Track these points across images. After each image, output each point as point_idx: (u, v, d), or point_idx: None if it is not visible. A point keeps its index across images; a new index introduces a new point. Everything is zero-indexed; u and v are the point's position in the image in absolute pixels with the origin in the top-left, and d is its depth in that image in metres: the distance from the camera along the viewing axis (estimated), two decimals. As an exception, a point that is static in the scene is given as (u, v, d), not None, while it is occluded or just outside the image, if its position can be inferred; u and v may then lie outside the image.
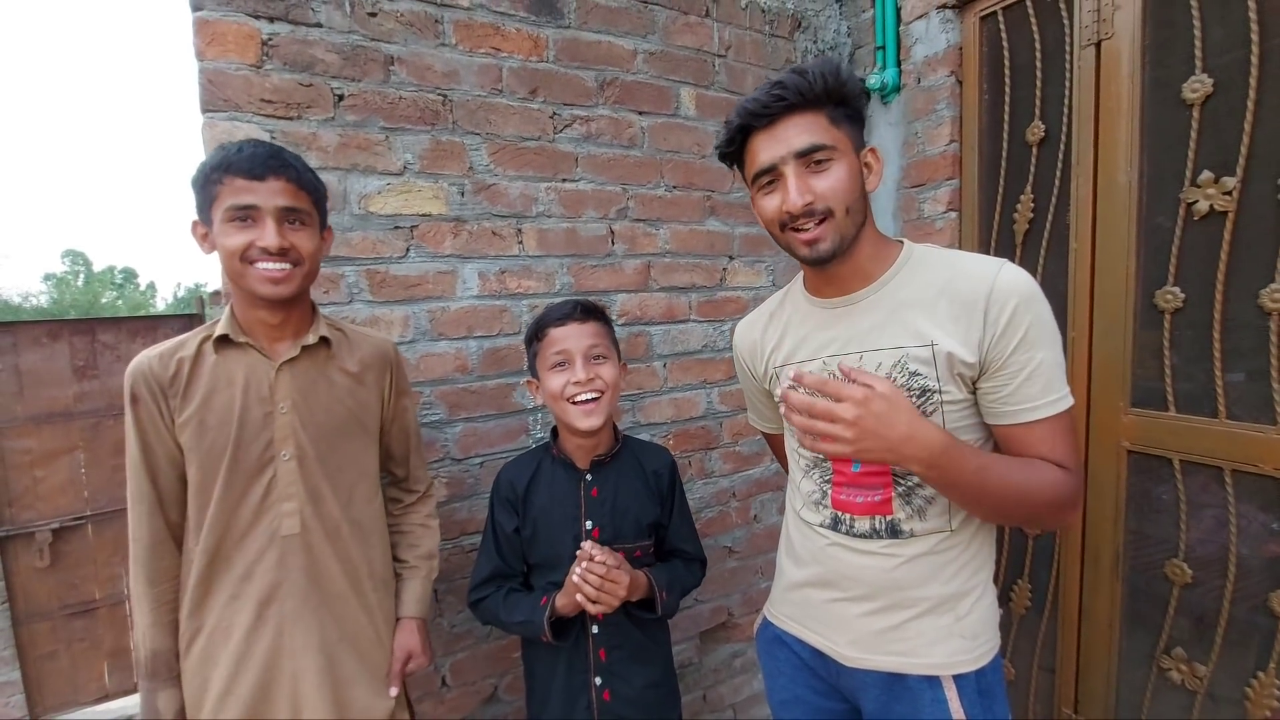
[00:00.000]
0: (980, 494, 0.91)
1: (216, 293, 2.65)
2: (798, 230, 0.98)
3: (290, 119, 1.37)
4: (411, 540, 1.30)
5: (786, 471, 1.26)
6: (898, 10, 2.04)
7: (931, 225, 1.99)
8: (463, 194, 1.56)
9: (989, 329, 0.93)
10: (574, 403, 1.23)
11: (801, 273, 1.17)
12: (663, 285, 1.87)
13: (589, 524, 1.26)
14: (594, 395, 1.22)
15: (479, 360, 1.61)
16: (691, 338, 1.93)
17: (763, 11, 1.99)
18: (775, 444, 1.35)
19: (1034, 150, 1.71)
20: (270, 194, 1.01)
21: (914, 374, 0.97)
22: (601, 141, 1.73)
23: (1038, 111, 1.70)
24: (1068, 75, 1.63)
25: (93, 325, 2.55)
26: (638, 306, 1.82)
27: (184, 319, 2.69)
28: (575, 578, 1.15)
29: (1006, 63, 1.77)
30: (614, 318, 1.79)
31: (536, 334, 1.29)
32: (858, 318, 1.04)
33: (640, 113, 1.79)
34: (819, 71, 0.95)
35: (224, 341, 1.08)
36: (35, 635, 2.49)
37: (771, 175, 0.98)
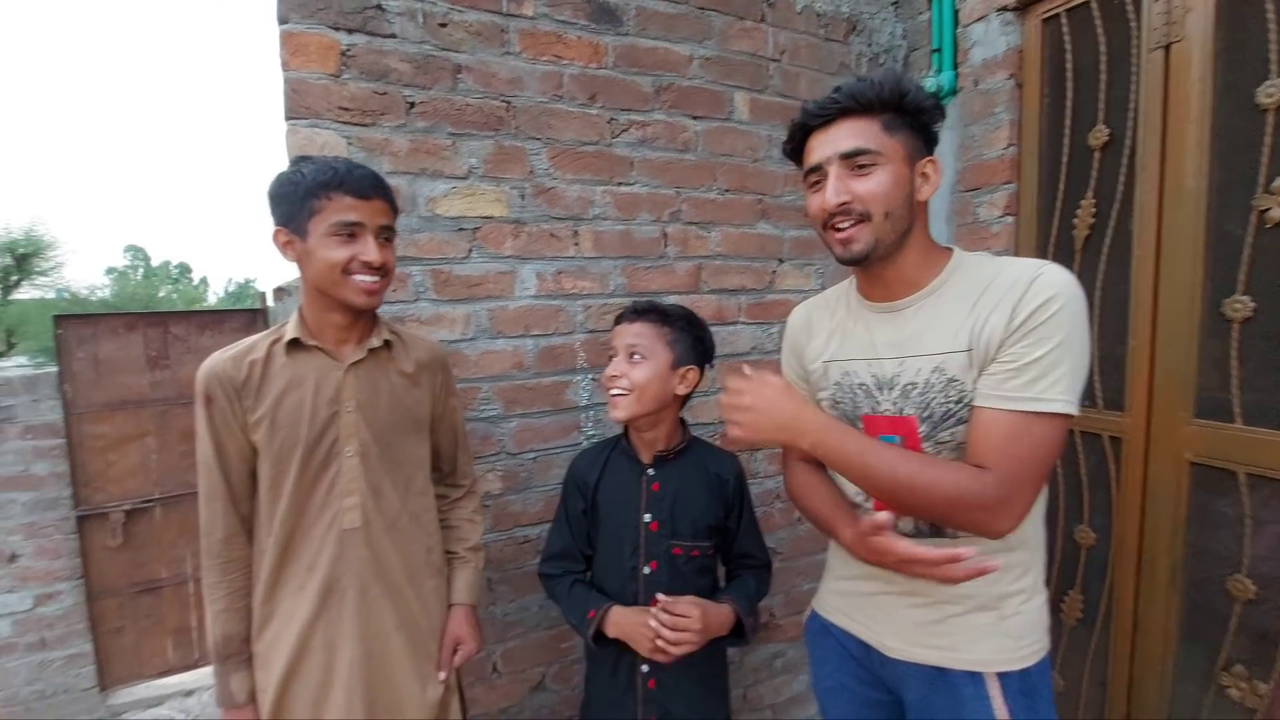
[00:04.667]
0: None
1: (279, 289, 2.76)
2: (836, 229, 1.02)
3: (365, 125, 1.44)
4: (460, 534, 1.36)
5: (787, 462, 1.26)
6: (955, 13, 2.03)
7: (987, 230, 1.97)
8: (523, 197, 1.61)
9: (1015, 316, 0.92)
10: (610, 393, 1.29)
11: (855, 275, 1.19)
12: (713, 287, 1.89)
13: (647, 517, 1.30)
14: (621, 391, 1.27)
15: (535, 358, 1.66)
16: (740, 340, 1.95)
17: (818, 15, 2.00)
18: None
19: (1097, 154, 1.69)
20: (374, 213, 1.09)
21: (951, 380, 0.98)
22: (656, 145, 1.77)
23: (1101, 115, 1.67)
24: (1134, 78, 1.60)
25: (165, 318, 2.69)
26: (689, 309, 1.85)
27: (247, 313, 2.81)
28: (652, 624, 1.20)
29: (1070, 65, 1.75)
30: (665, 319, 1.82)
31: (615, 325, 1.36)
32: (901, 324, 1.05)
33: (695, 117, 1.82)
34: (879, 80, 0.98)
35: (294, 345, 1.14)
36: (105, 611, 2.63)
37: (819, 174, 1.03)
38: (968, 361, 0.97)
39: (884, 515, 0.94)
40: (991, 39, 1.92)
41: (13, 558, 2.52)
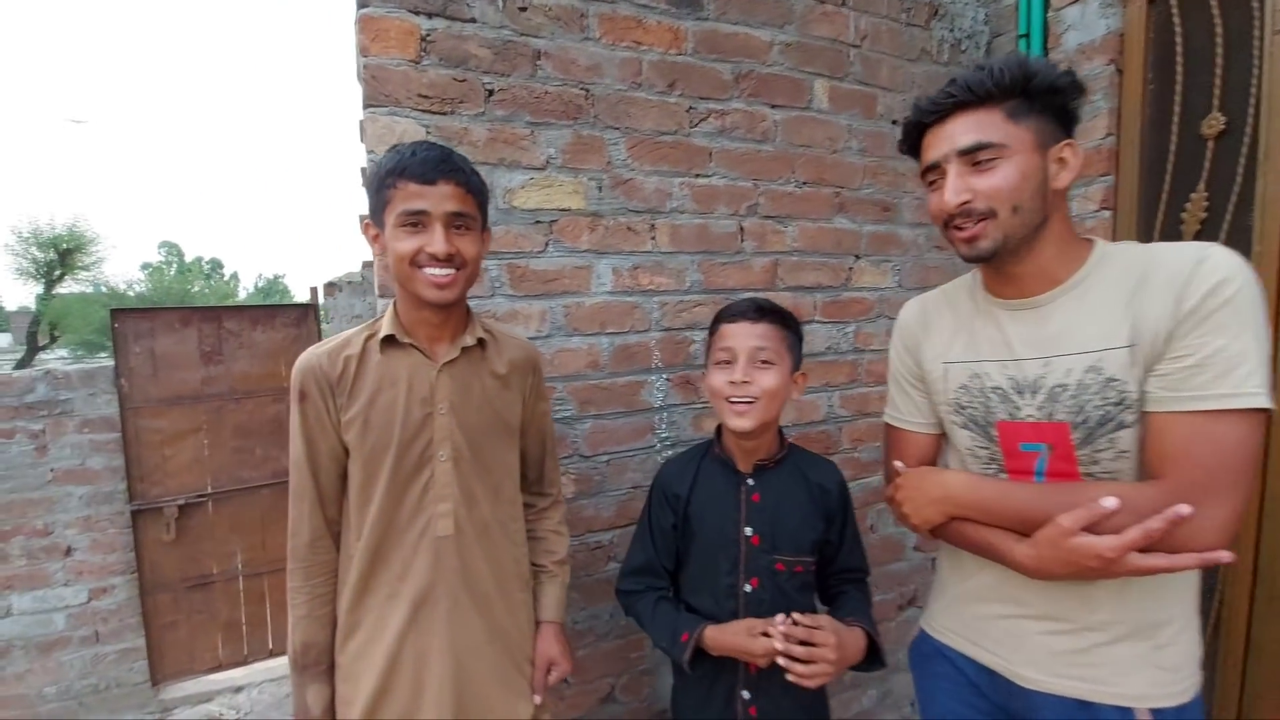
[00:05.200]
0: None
1: (331, 284, 2.74)
2: (958, 228, 0.95)
3: (444, 114, 1.38)
4: (547, 546, 1.29)
5: (889, 478, 1.18)
6: (1045, -4, 1.92)
7: (1080, 224, 1.86)
8: (600, 189, 1.55)
9: (1183, 303, 0.84)
10: (730, 401, 1.20)
11: (979, 269, 1.10)
12: (789, 284, 1.81)
13: (748, 530, 1.22)
14: (749, 399, 1.18)
15: (610, 356, 1.60)
16: (816, 339, 1.86)
17: None
18: (902, 444, 1.19)
19: (1210, 144, 1.58)
20: (440, 199, 1.01)
21: (1110, 380, 0.89)
22: (735, 136, 1.69)
23: (1217, 103, 1.56)
24: (1255, 64, 1.49)
25: (218, 313, 2.68)
26: (764, 306, 1.77)
27: (299, 308, 2.80)
28: (779, 645, 1.10)
29: (1180, 51, 1.63)
30: (740, 317, 1.75)
31: (713, 325, 1.28)
32: (1042, 321, 0.97)
33: (774, 106, 1.74)
34: (999, 66, 0.91)
35: (389, 342, 1.08)
36: (159, 605, 2.64)
37: (937, 173, 0.97)
38: (1129, 358, 0.88)
39: (1110, 501, 0.83)
40: (1089, 23, 1.81)
41: (69, 551, 2.53)
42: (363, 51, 1.31)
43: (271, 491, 2.75)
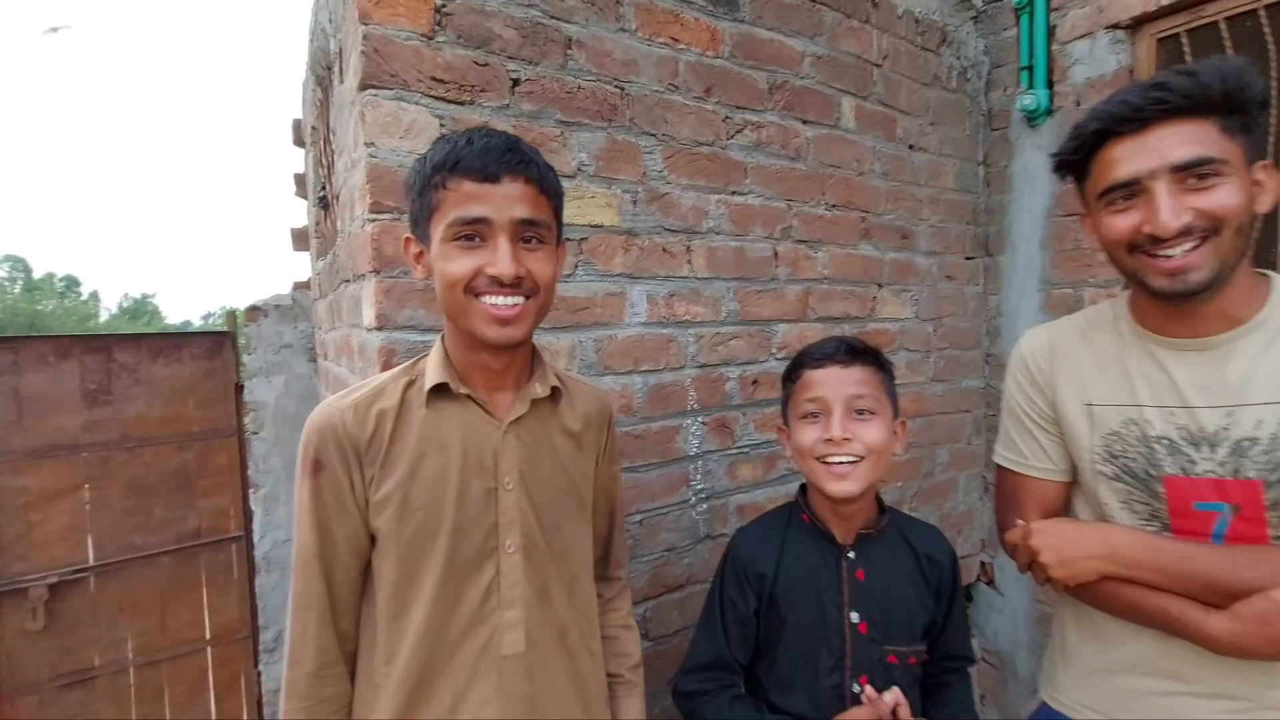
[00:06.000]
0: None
1: (253, 308, 2.32)
2: (1156, 256, 0.81)
3: (462, 104, 1.12)
4: (619, 647, 1.01)
5: (1006, 526, 1.02)
6: (1049, 29, 1.92)
7: (1091, 257, 1.84)
8: (635, 203, 1.33)
9: None
10: (825, 462, 1.00)
11: (1123, 299, 0.98)
12: (820, 315, 1.66)
13: (854, 616, 1.01)
14: (850, 458, 0.99)
15: (644, 398, 1.36)
16: (845, 374, 1.72)
17: (915, 21, 1.83)
18: (1025, 492, 1.03)
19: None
20: (506, 202, 0.75)
21: None
22: (770, 151, 1.53)
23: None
24: (1274, 100, 1.50)
25: (108, 343, 2.18)
26: (798, 338, 1.61)
27: (212, 336, 2.34)
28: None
29: (1200, 85, 1.64)
30: (774, 351, 1.57)
31: (791, 373, 1.07)
32: (1219, 366, 0.86)
33: (805, 121, 1.59)
34: (1217, 72, 0.79)
35: (438, 392, 0.81)
36: (20, 712, 2.07)
37: (1130, 190, 0.82)
38: None
39: None
40: (1099, 57, 1.81)
41: (-111, 653, 1.94)
42: (363, 18, 1.04)
43: (173, 560, 2.26)
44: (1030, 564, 0.94)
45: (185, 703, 2.36)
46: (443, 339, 0.84)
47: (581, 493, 0.90)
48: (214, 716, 2.44)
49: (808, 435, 1.01)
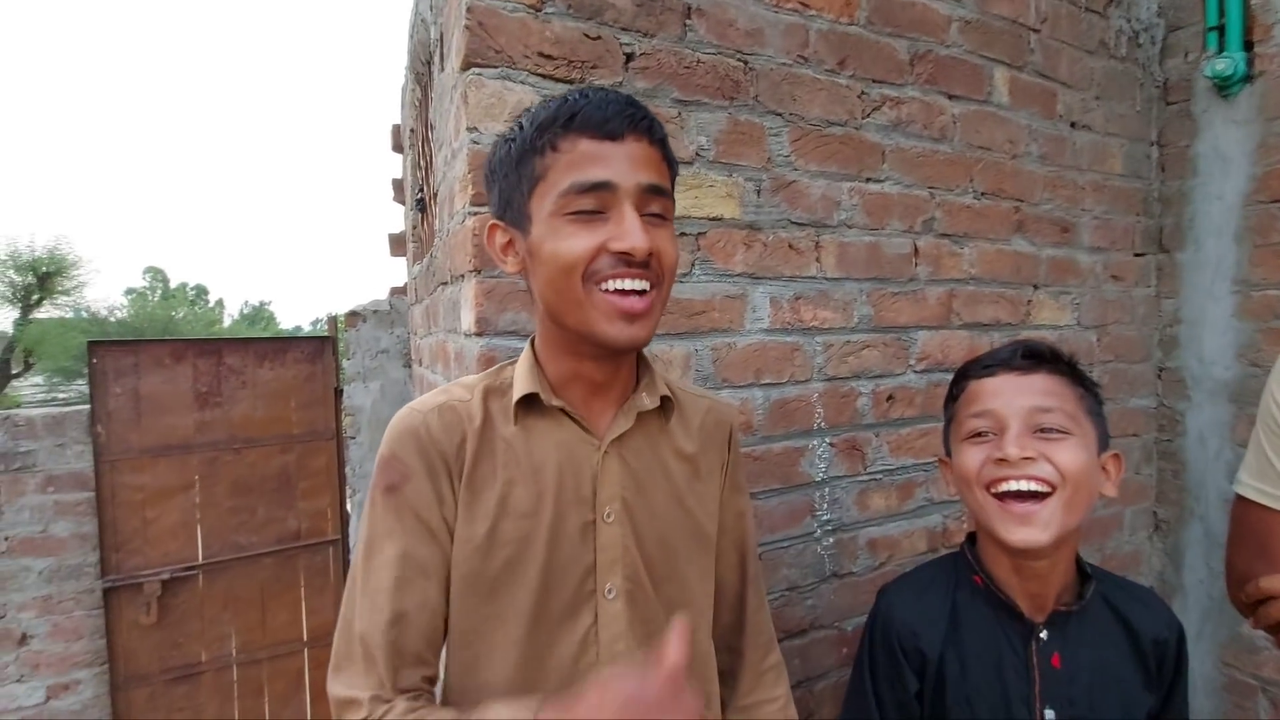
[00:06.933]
0: None
1: (353, 313, 2.33)
2: None
3: (571, 82, 1.00)
4: None
5: (1246, 575, 0.80)
6: (1248, -21, 1.60)
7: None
8: (759, 192, 1.17)
9: None
10: (999, 497, 0.79)
11: None
12: (965, 321, 1.43)
13: (1050, 714, 0.79)
14: (1035, 487, 0.77)
15: (766, 415, 1.19)
16: (993, 390, 1.47)
17: (1079, -23, 1.57)
18: (1272, 530, 0.83)
19: None
20: (630, 164, 0.62)
21: None
22: (910, 131, 1.33)
23: None
24: None
25: (219, 346, 2.25)
26: (939, 348, 1.39)
27: (314, 342, 2.38)
28: None
29: None
30: (912, 362, 1.36)
31: (956, 385, 0.87)
32: None
33: (951, 96, 1.38)
34: None
35: (528, 404, 0.68)
36: (133, 703, 2.15)
37: None
38: None
39: None
40: (1321, 6, 1.48)
41: (23, 639, 2.05)
42: (466, -10, 0.93)
43: (275, 560, 2.30)
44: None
45: (283, 702, 2.39)
46: (532, 343, 0.71)
47: (702, 527, 0.75)
48: (310, 717, 2.46)
49: (973, 457, 0.81)
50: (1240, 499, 0.87)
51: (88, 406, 2.15)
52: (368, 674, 0.61)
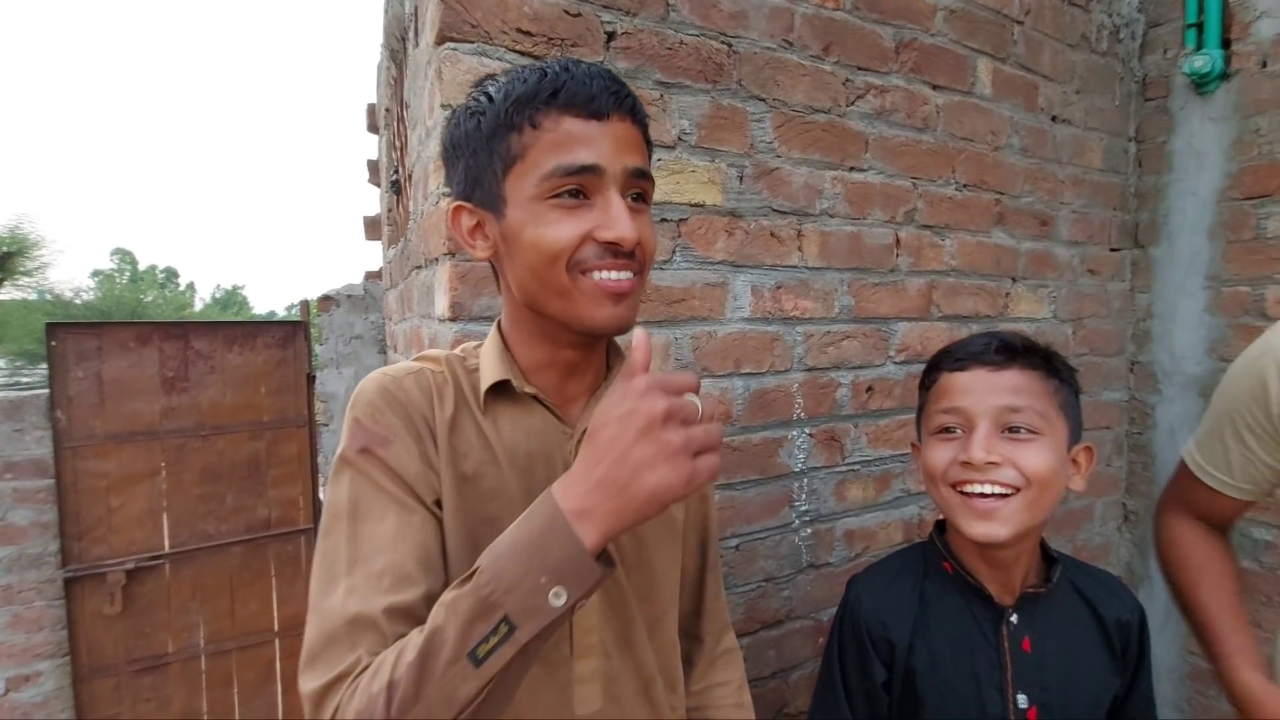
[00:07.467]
0: None
1: (326, 298, 2.27)
2: None
3: (550, 60, 0.97)
4: None
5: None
6: (1227, -24, 1.61)
7: (1275, 248, 1.54)
8: (741, 179, 1.15)
9: None
10: (962, 493, 0.78)
11: None
12: (945, 313, 1.43)
13: (1022, 700, 0.79)
14: (998, 490, 0.77)
15: (745, 405, 1.18)
16: (970, 381, 1.48)
17: (1064, -30, 1.57)
18: (1199, 501, 0.94)
19: None
20: (616, 146, 0.59)
21: None
22: (894, 120, 1.32)
23: None
24: None
25: (185, 330, 2.18)
26: (919, 339, 1.39)
27: (285, 326, 2.31)
28: None
29: None
30: (891, 354, 1.36)
31: (927, 375, 0.86)
32: None
33: (935, 86, 1.37)
34: None
35: (498, 392, 0.65)
36: (97, 695, 2.09)
37: None
38: None
39: None
40: (1297, 4, 1.50)
41: (-20, 629, 1.99)
42: (441, -38, 0.90)
43: (244, 549, 2.24)
44: None
45: (253, 693, 2.35)
46: (499, 326, 0.69)
47: (670, 514, 0.73)
48: (280, 708, 2.42)
49: (940, 455, 0.80)
50: (1182, 463, 0.95)
51: (48, 391, 2.07)
52: (355, 650, 0.52)
